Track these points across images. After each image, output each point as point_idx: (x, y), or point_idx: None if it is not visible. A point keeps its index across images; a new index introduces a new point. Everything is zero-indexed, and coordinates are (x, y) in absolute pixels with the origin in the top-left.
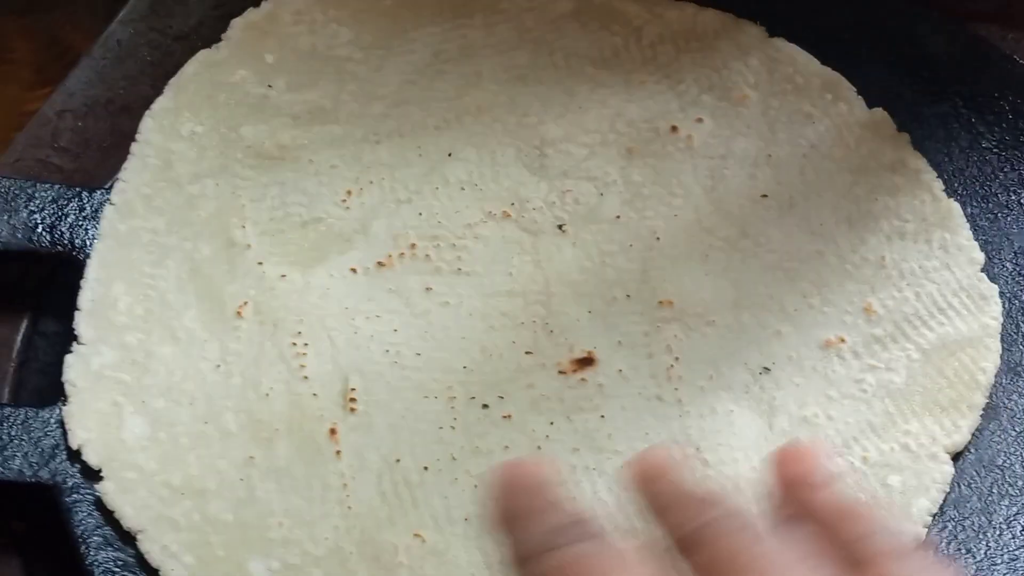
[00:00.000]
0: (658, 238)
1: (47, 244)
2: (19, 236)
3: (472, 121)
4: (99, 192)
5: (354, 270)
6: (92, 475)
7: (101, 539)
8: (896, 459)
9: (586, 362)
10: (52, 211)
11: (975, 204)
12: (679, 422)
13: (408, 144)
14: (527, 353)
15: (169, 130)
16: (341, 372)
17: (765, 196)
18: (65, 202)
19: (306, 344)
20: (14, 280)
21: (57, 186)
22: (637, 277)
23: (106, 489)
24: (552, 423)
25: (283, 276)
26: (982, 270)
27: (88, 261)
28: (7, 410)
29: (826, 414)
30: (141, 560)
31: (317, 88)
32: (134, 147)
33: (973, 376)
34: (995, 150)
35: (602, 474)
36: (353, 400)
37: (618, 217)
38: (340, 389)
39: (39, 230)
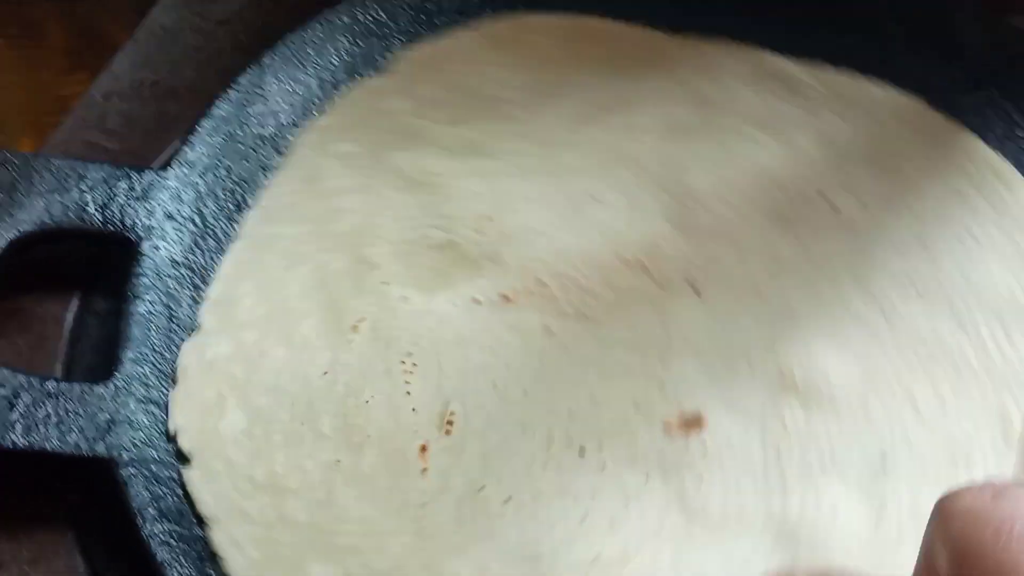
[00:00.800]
0: (794, 313)
1: (98, 223)
2: (70, 215)
3: (621, 168)
4: (148, 172)
5: (477, 300)
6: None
7: (157, 512)
8: None
9: (694, 423)
10: (103, 190)
11: None
12: (780, 500)
13: (553, 183)
14: (635, 407)
15: (322, 147)
16: (444, 396)
17: (910, 279)
18: (115, 181)
19: (415, 365)
20: (65, 258)
21: (107, 166)
22: (764, 347)
23: (191, 476)
24: (647, 478)
25: (405, 298)
26: None
27: (223, 258)
28: (63, 386)
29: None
30: (193, 535)
31: (473, 125)
32: (283, 160)
33: None
34: None
35: (689, 539)
36: (450, 423)
37: (758, 288)
38: (440, 411)
39: (90, 209)
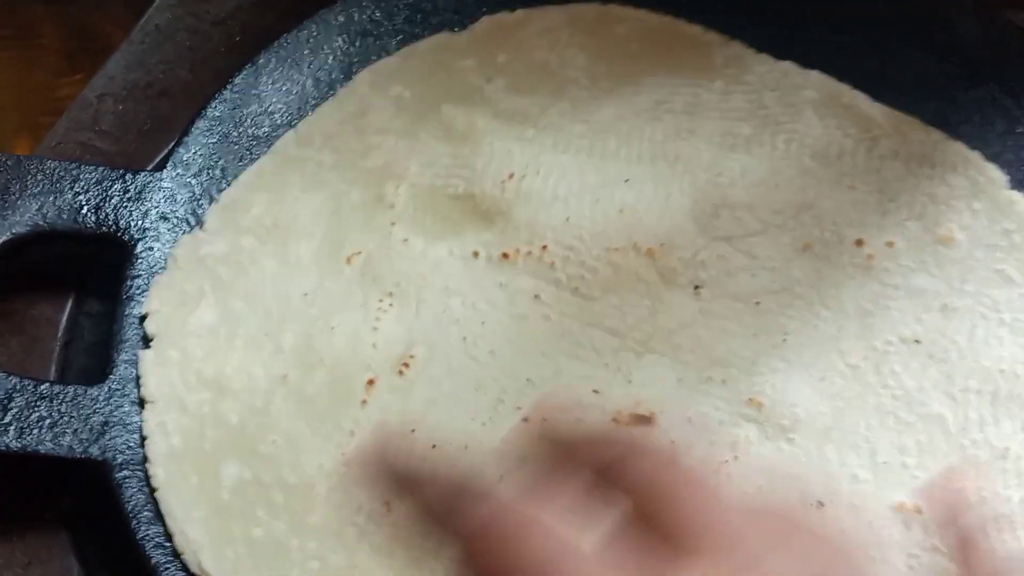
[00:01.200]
0: (785, 339)
1: (92, 225)
2: (64, 217)
3: (664, 165)
4: (142, 173)
5: (476, 254)
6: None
7: (151, 514)
8: None
9: (644, 420)
10: (97, 192)
11: (1013, 188)
12: None
13: (592, 162)
14: (594, 392)
15: (379, 87)
16: (410, 339)
17: (918, 342)
18: (110, 183)
19: (391, 305)
20: (59, 260)
21: (101, 168)
22: (744, 367)
23: (145, 356)
24: None
25: (405, 240)
26: None
27: (248, 169)
28: (56, 388)
29: None
30: None
31: (532, 96)
32: (340, 91)
33: None
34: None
35: None
36: (406, 365)
37: (758, 303)
38: (400, 352)
39: (84, 211)
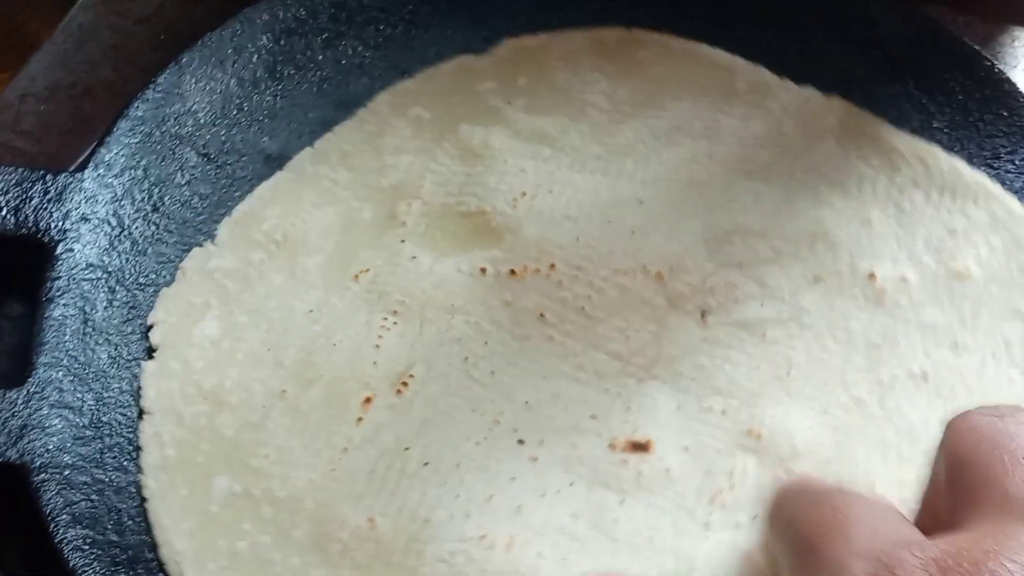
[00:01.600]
0: (789, 372)
1: (11, 227)
2: None
3: (678, 189)
4: (63, 175)
5: (483, 270)
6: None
7: (70, 517)
8: None
9: (640, 447)
10: (16, 194)
11: None
12: (694, 543)
13: (606, 183)
14: (592, 417)
15: (398, 107)
16: (411, 358)
17: (926, 378)
18: (30, 185)
19: (395, 323)
20: None
21: (21, 169)
22: (745, 398)
23: (147, 367)
24: (571, 484)
25: (414, 258)
26: None
27: (263, 184)
28: None
29: None
30: (108, 540)
31: (551, 117)
32: (359, 111)
33: None
34: (945, 130)
35: (584, 549)
36: (405, 384)
37: (764, 334)
38: (400, 371)
39: (3, 213)
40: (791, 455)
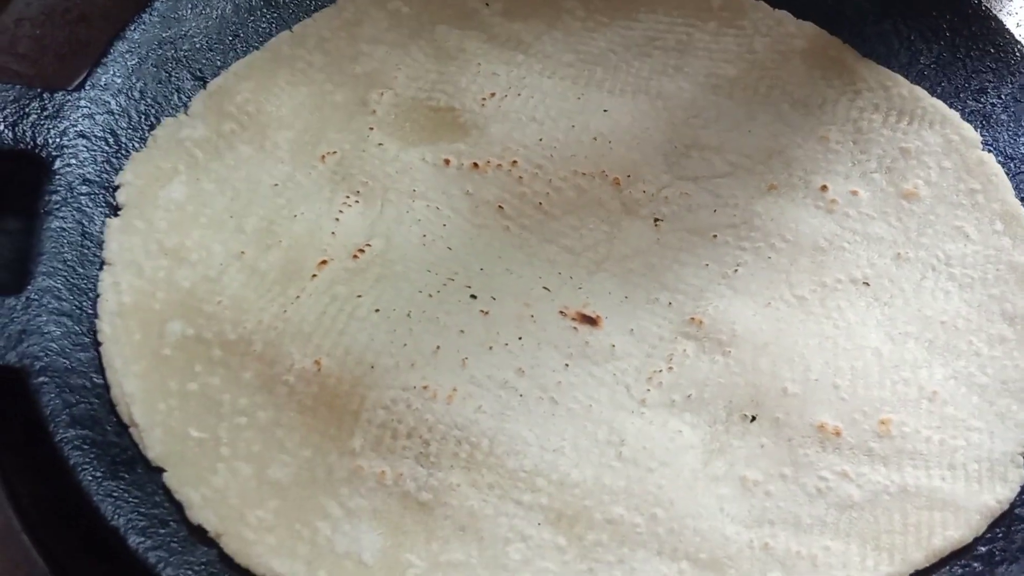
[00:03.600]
0: (736, 270)
1: (9, 142)
2: None
3: (645, 100)
4: (60, 93)
5: (447, 161)
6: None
7: (69, 418)
8: (795, 564)
9: (590, 321)
10: (13, 110)
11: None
12: (627, 418)
13: (574, 89)
14: (545, 288)
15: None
16: (370, 233)
17: (867, 284)
18: (27, 102)
19: (357, 202)
20: None
21: (19, 87)
22: (691, 293)
23: (111, 223)
24: (520, 339)
25: (381, 144)
26: None
27: (238, 61)
28: None
29: (766, 488)
30: (108, 440)
31: (527, 22)
32: (340, 0)
33: (929, 537)
34: (932, 66)
35: (523, 401)
36: (362, 251)
37: (715, 236)
38: (358, 242)
39: (1, 128)
40: (730, 340)
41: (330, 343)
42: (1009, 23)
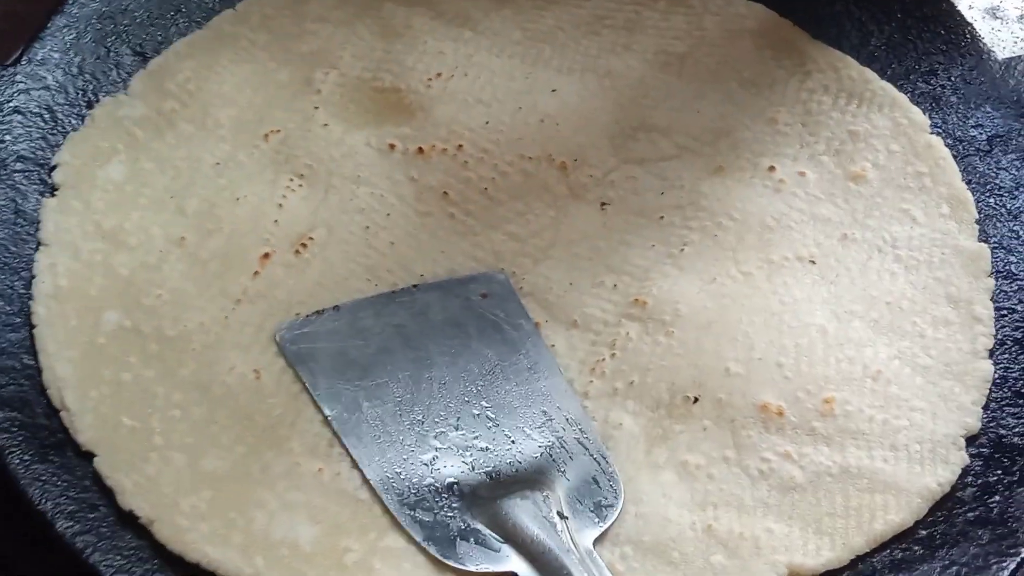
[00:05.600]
0: (683, 249)
1: None
2: None
3: (592, 80)
4: None
5: (392, 146)
6: None
7: None
8: (737, 546)
9: None
10: None
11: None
12: (572, 402)
13: (522, 68)
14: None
15: None
16: (313, 221)
17: (813, 262)
18: None
19: (301, 186)
20: None
21: None
22: (637, 274)
23: (47, 203)
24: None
25: (326, 125)
26: None
27: (180, 40)
28: None
29: (708, 471)
30: (37, 423)
31: (476, 2)
32: None
33: (871, 521)
34: (883, 47)
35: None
36: (304, 245)
37: (661, 217)
38: (301, 232)
39: None
40: (673, 319)
41: (267, 360)
42: (961, 5)
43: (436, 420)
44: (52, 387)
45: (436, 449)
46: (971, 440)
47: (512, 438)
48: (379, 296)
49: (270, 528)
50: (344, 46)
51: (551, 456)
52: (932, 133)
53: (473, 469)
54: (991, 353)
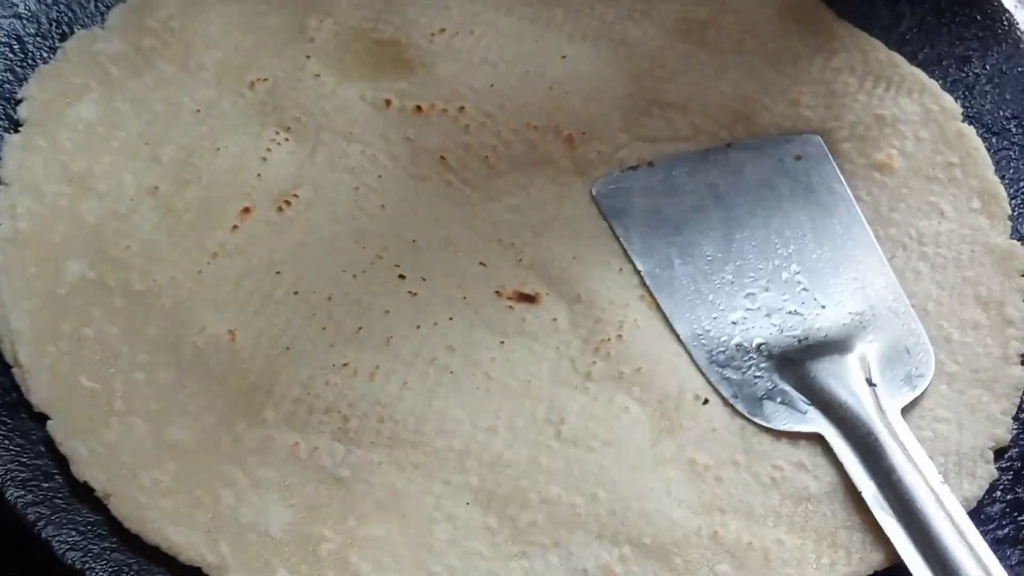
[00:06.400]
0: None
1: None
2: None
3: (607, 48)
4: None
5: (388, 102)
6: None
7: None
8: (745, 556)
9: (528, 299)
10: None
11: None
12: (571, 394)
13: (533, 30)
14: (481, 264)
15: None
16: (298, 178)
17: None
18: None
19: (287, 140)
20: None
21: None
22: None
23: (10, 139)
24: (451, 320)
25: (317, 75)
26: None
27: None
28: None
29: (716, 473)
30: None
31: None
32: None
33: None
34: (915, 30)
35: (454, 379)
36: (288, 203)
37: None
38: (285, 189)
39: None
40: None
41: (244, 319)
42: None
43: (746, 281)
44: (5, 340)
45: (745, 309)
46: (1000, 453)
47: (822, 303)
48: (693, 154)
49: (238, 509)
50: None
51: (861, 323)
52: (964, 123)
53: (782, 332)
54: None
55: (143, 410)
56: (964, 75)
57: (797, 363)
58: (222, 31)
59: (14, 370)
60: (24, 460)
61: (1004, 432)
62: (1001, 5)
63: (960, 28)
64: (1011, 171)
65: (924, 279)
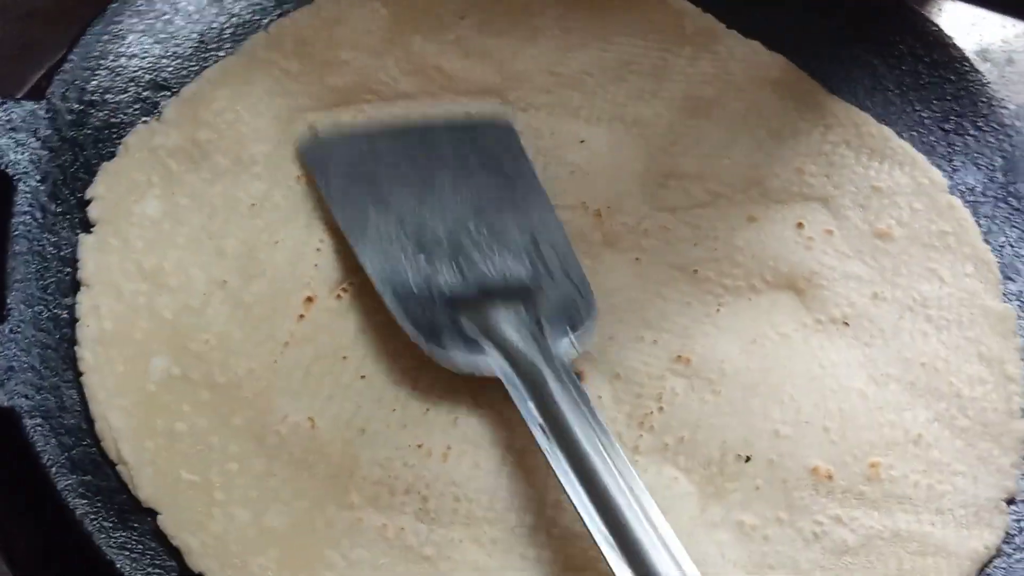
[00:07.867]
0: (719, 309)
1: None
2: None
3: (621, 128)
4: (24, 103)
5: None
6: None
7: (68, 463)
8: None
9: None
10: None
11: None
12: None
13: (549, 123)
14: None
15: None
16: (350, 267)
17: (847, 324)
18: None
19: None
20: None
21: None
22: (676, 331)
23: (85, 240)
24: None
25: None
26: None
27: (213, 65)
28: None
29: (763, 532)
30: (108, 484)
31: (502, 38)
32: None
33: None
34: (896, 91)
35: (521, 466)
36: (345, 291)
37: (695, 272)
38: (339, 278)
39: None
40: (719, 378)
41: (319, 405)
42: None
43: (435, 232)
44: (107, 438)
45: (433, 255)
46: (1008, 502)
47: (501, 256)
48: (395, 127)
49: None
50: (373, 75)
51: (536, 276)
52: (951, 193)
53: (464, 278)
54: None
55: (242, 499)
56: (946, 133)
57: (477, 307)
58: (269, 125)
59: (119, 467)
60: (158, 562)
61: (1013, 484)
62: (972, 66)
63: (938, 89)
64: (995, 225)
65: (931, 339)
